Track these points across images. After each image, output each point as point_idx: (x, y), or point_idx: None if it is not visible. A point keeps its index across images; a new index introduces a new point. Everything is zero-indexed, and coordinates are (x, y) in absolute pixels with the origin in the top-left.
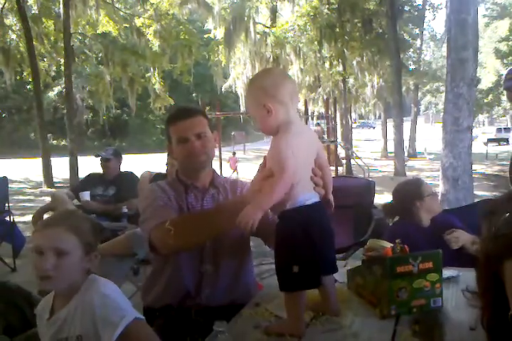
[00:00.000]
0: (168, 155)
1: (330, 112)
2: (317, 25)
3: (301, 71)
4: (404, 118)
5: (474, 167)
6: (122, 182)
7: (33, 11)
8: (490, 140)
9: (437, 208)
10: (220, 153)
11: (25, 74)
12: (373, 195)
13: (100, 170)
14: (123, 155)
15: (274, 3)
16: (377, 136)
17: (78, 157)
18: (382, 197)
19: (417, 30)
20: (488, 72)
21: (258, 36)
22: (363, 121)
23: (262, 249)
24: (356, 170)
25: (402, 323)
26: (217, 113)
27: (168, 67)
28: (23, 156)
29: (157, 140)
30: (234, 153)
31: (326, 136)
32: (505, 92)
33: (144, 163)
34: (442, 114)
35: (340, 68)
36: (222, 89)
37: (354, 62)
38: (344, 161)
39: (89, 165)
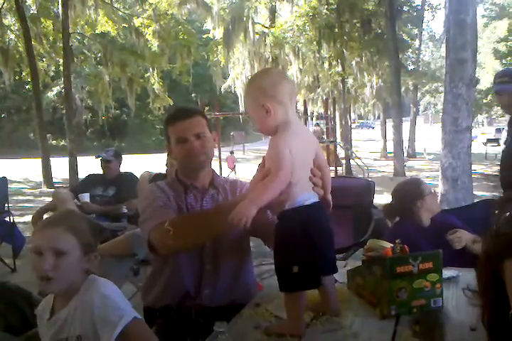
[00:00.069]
0: (167, 155)
1: (329, 112)
2: (316, 26)
3: (300, 71)
4: (404, 119)
5: (473, 167)
6: (122, 182)
7: (31, 11)
8: (489, 140)
9: (437, 207)
10: (220, 154)
11: (24, 74)
12: (373, 195)
13: (100, 171)
14: (122, 156)
15: (273, 4)
16: (376, 137)
17: (78, 157)
18: (382, 198)
19: (415, 31)
20: (487, 72)
21: (257, 36)
22: (362, 121)
23: (262, 249)
24: (356, 170)
25: (402, 323)
26: (217, 113)
27: (167, 67)
28: (23, 156)
29: (156, 140)
30: (232, 152)
31: (325, 136)
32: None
33: (144, 163)
34: (441, 114)
35: (339, 68)
36: (222, 90)
37: (353, 63)
38: (343, 161)
39: (89, 165)
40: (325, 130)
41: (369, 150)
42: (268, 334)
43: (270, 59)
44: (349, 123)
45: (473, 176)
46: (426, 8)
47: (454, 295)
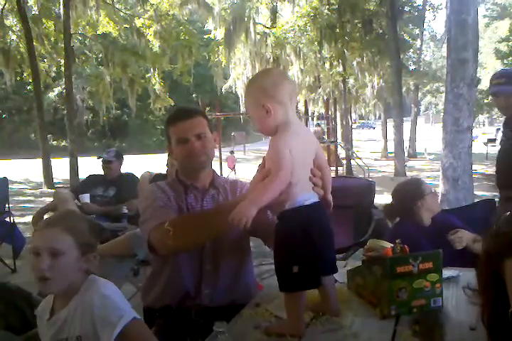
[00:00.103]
0: (168, 155)
1: (330, 113)
2: (317, 26)
3: (301, 71)
4: (405, 119)
5: (474, 167)
6: (123, 183)
7: (33, 12)
8: (490, 140)
9: (437, 207)
10: (220, 154)
11: (25, 75)
12: (373, 195)
13: (101, 172)
14: (123, 156)
15: (274, 4)
16: (377, 137)
17: (78, 158)
18: (383, 198)
19: (417, 31)
20: (488, 72)
21: (258, 37)
22: (363, 121)
23: (262, 249)
24: (356, 170)
25: (402, 323)
26: (218, 113)
27: (169, 67)
28: (23, 157)
29: (157, 140)
30: (232, 152)
31: (326, 137)
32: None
33: (144, 164)
34: (442, 114)
35: (340, 69)
36: (223, 90)
37: (354, 63)
38: (344, 161)
39: (90, 166)
40: (326, 130)
41: (370, 150)
42: (268, 334)
43: (271, 59)
44: (350, 124)
45: (473, 176)
46: (427, 8)
47: (453, 295)
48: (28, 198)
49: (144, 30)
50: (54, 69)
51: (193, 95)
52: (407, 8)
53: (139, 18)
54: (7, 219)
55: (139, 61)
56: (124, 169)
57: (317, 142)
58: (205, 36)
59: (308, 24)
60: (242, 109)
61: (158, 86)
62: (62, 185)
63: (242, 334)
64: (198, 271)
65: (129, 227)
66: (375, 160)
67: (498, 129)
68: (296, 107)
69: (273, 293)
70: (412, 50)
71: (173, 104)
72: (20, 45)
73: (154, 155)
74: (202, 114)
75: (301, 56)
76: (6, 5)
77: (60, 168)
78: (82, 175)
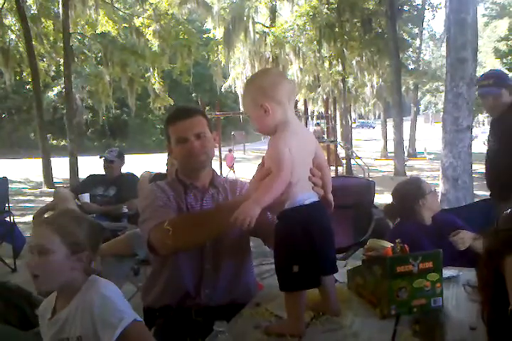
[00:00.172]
0: (168, 155)
1: (330, 112)
2: (316, 25)
3: (300, 71)
4: (404, 118)
5: (474, 167)
6: (123, 182)
7: (32, 11)
8: None
9: (437, 206)
10: (220, 153)
11: (24, 74)
12: (373, 195)
13: (101, 171)
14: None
15: (274, 3)
16: (377, 136)
17: (78, 157)
18: (383, 197)
19: (416, 30)
20: None
21: (257, 36)
22: (362, 120)
23: (262, 249)
24: (356, 169)
25: (402, 323)
26: (217, 113)
27: (168, 67)
28: (23, 156)
29: (157, 140)
30: (230, 150)
31: (325, 136)
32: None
33: (144, 163)
34: (442, 113)
35: (339, 68)
36: (222, 89)
37: (353, 62)
38: (344, 161)
39: (90, 165)
40: (325, 129)
41: (370, 149)
42: (268, 334)
43: (270, 58)
44: (350, 123)
45: (473, 176)
46: (426, 7)
47: (454, 294)
48: (28, 198)
49: (143, 30)
50: (53, 68)
51: (193, 94)
52: (406, 8)
53: (138, 17)
54: (7, 219)
55: (139, 60)
56: (124, 169)
57: (316, 141)
58: (205, 35)
59: (308, 23)
60: (242, 108)
61: (158, 85)
62: (62, 185)
63: (242, 333)
64: (198, 270)
65: (129, 227)
66: (375, 159)
67: None
68: (296, 106)
69: (273, 293)
70: (411, 50)
71: (172, 103)
72: (20, 45)
73: (154, 155)
74: (201, 114)
75: (301, 55)
76: (5, 4)
77: (60, 168)
78: (82, 174)
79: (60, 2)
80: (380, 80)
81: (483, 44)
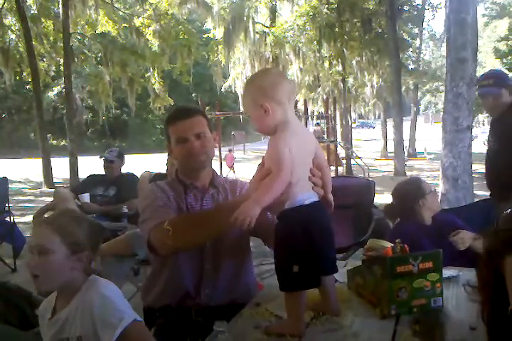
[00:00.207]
0: (168, 155)
1: (330, 112)
2: (316, 25)
3: (300, 71)
4: (404, 118)
5: (474, 167)
6: (123, 182)
7: (32, 11)
8: None
9: (437, 206)
10: (220, 153)
11: (24, 74)
12: (373, 195)
13: (101, 171)
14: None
15: (274, 3)
16: (377, 136)
17: (78, 157)
18: (383, 197)
19: (416, 30)
20: None
21: (257, 36)
22: (362, 120)
23: (262, 249)
24: (356, 169)
25: (402, 323)
26: (217, 113)
27: (168, 67)
28: (23, 156)
29: (157, 140)
30: (230, 150)
31: (325, 136)
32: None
33: (144, 163)
34: (442, 113)
35: (339, 68)
36: (222, 89)
37: (354, 62)
38: (344, 161)
39: (90, 165)
40: (325, 129)
41: (370, 149)
42: (268, 334)
43: (271, 58)
44: (350, 123)
45: (473, 176)
46: (426, 7)
47: (454, 294)
48: (28, 198)
49: (143, 30)
50: (53, 68)
51: (193, 94)
52: (406, 8)
53: (138, 17)
54: (7, 219)
55: (139, 60)
56: (124, 169)
57: (316, 141)
58: (205, 35)
59: (308, 23)
60: (242, 108)
61: (158, 85)
62: (62, 185)
63: (242, 333)
64: (198, 270)
65: (129, 227)
66: (375, 159)
67: None
68: (296, 106)
69: (273, 293)
70: (411, 50)
71: (172, 103)
72: (20, 45)
73: (154, 155)
74: (201, 114)
75: (301, 55)
76: (5, 4)
77: (60, 168)
78: (82, 174)
79: (60, 2)
80: (380, 80)
81: (483, 44)
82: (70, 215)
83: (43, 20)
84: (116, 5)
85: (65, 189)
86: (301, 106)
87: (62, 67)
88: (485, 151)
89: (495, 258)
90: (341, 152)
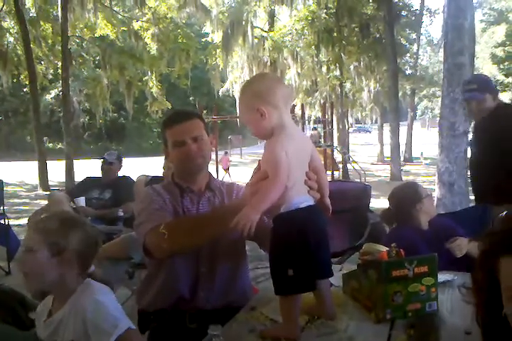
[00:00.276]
0: (165, 158)
1: (327, 116)
2: (315, 30)
3: (298, 75)
4: (401, 123)
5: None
6: (119, 186)
7: (30, 14)
8: None
9: (434, 210)
10: (217, 157)
11: (22, 77)
12: (369, 199)
13: (97, 174)
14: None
15: (272, 8)
16: (373, 141)
17: (74, 160)
18: (379, 202)
19: (414, 35)
20: None
21: (256, 40)
22: (359, 125)
23: (258, 252)
24: (352, 174)
25: (397, 327)
26: (214, 116)
27: (166, 70)
28: (20, 159)
29: (154, 143)
30: (226, 152)
31: (322, 141)
32: (501, 96)
33: (141, 167)
34: (438, 118)
35: (337, 72)
36: (220, 93)
37: (351, 67)
38: (341, 165)
39: (86, 168)
40: (322, 134)
41: (366, 154)
42: (263, 338)
43: (269, 63)
44: (346, 128)
45: (469, 181)
46: (424, 12)
47: (449, 299)
48: (24, 200)
49: (142, 33)
50: (51, 71)
51: (190, 98)
52: (404, 13)
53: (137, 20)
54: (2, 221)
55: (137, 64)
56: (121, 172)
57: (312, 145)
58: (203, 39)
59: (306, 28)
60: (238, 112)
61: (156, 89)
62: (57, 188)
63: (237, 337)
64: (194, 273)
65: (124, 230)
66: (372, 164)
67: None
68: (293, 111)
69: (268, 297)
70: (408, 55)
71: (170, 106)
72: (18, 47)
73: (151, 158)
74: (198, 117)
75: (299, 60)
76: (4, 7)
77: (56, 171)
78: (78, 177)
79: (59, 5)
80: (378, 85)
81: (481, 50)
82: (58, 217)
83: (41, 23)
84: (115, 8)
85: (60, 192)
86: (298, 110)
87: (59, 70)
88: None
89: (490, 259)
90: (338, 156)
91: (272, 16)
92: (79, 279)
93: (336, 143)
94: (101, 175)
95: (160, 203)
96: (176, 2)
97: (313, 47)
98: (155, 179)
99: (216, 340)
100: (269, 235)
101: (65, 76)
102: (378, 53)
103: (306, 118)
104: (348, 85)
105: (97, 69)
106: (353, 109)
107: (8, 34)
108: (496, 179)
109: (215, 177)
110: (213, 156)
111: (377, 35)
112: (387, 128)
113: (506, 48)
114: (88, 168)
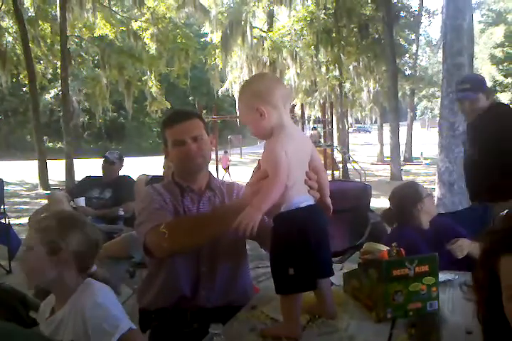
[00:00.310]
0: (165, 158)
1: (326, 116)
2: (314, 30)
3: (297, 75)
4: (400, 123)
5: None
6: (119, 185)
7: (29, 14)
8: None
9: (435, 210)
10: (217, 156)
11: (21, 76)
12: (370, 199)
13: (97, 173)
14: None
15: (271, 8)
16: (373, 141)
17: (74, 159)
18: (379, 201)
19: (413, 36)
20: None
21: (255, 40)
22: (359, 125)
23: (258, 252)
24: (353, 174)
25: (398, 327)
26: (214, 116)
27: (165, 70)
28: (19, 158)
29: (154, 143)
30: (226, 152)
31: (322, 140)
32: (500, 97)
33: (141, 166)
34: (438, 118)
35: (336, 73)
36: (219, 93)
37: (350, 67)
38: (341, 165)
39: (86, 167)
40: (322, 134)
41: (366, 154)
42: (264, 337)
43: (268, 63)
44: (346, 127)
45: None
46: (423, 13)
47: (450, 298)
48: (24, 200)
49: (141, 33)
50: (50, 71)
51: (190, 98)
52: (403, 14)
53: (136, 20)
54: (2, 221)
55: (136, 63)
56: (121, 171)
57: (312, 145)
58: (202, 39)
59: (305, 28)
60: (238, 112)
61: (155, 88)
62: (57, 187)
63: (238, 336)
64: (195, 273)
65: (125, 229)
66: (372, 164)
67: None
68: (293, 111)
69: (269, 296)
70: (408, 55)
71: (169, 106)
72: (17, 47)
73: (151, 158)
74: (198, 117)
75: (298, 60)
76: (3, 6)
77: (56, 170)
78: (78, 177)
79: (58, 5)
80: (377, 85)
81: (480, 50)
82: (57, 217)
83: (40, 22)
84: (113, 8)
85: (60, 191)
86: (298, 110)
87: (59, 70)
88: None
89: (490, 258)
90: (338, 156)
91: (270, 17)
92: (79, 279)
93: (335, 143)
94: (101, 175)
95: (160, 202)
96: (174, 2)
97: (312, 47)
98: (155, 178)
99: (217, 339)
100: (269, 234)
101: (64, 75)
102: (377, 54)
103: (306, 118)
104: (347, 85)
105: (96, 69)
106: (352, 109)
107: (6, 33)
108: (490, 177)
109: (215, 176)
110: (213, 156)
111: (376, 36)
112: (387, 128)
113: (505, 49)
114: (88, 167)
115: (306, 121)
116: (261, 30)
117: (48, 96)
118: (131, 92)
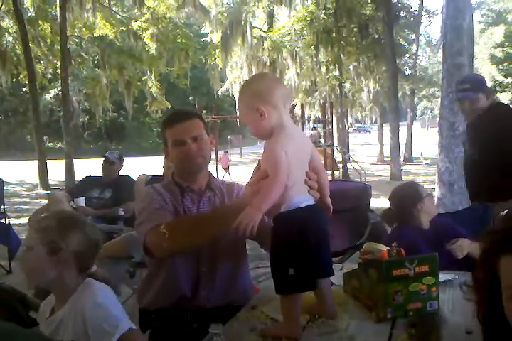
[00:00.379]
0: (165, 158)
1: (326, 116)
2: (314, 30)
3: (297, 75)
4: (400, 123)
5: None
6: (119, 185)
7: (29, 14)
8: None
9: (435, 210)
10: (217, 156)
11: (21, 76)
12: (370, 199)
13: (97, 173)
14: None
15: (271, 8)
16: (373, 141)
17: (74, 159)
18: (379, 201)
19: (413, 36)
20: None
21: (255, 40)
22: (359, 125)
23: (258, 252)
24: (353, 174)
25: (398, 326)
26: (214, 116)
27: (165, 70)
28: (19, 158)
29: (154, 143)
30: (226, 152)
31: (322, 140)
32: (500, 97)
33: (141, 166)
34: (438, 119)
35: (336, 73)
36: (219, 93)
37: (350, 67)
38: (341, 165)
39: (86, 167)
40: (322, 134)
41: (366, 154)
42: (264, 337)
43: (268, 63)
44: (346, 127)
45: None
46: (423, 13)
47: (450, 298)
48: (24, 200)
49: (141, 33)
50: (50, 71)
51: (190, 98)
52: (403, 14)
53: (136, 20)
54: (2, 221)
55: (136, 63)
56: (121, 171)
57: (312, 145)
58: (202, 39)
59: (305, 28)
60: (238, 112)
61: (155, 88)
62: (57, 187)
63: (238, 336)
64: (195, 273)
65: (125, 229)
66: (372, 164)
67: None
68: (293, 111)
69: (269, 296)
70: (408, 55)
71: (169, 106)
72: (17, 47)
73: (151, 158)
74: (198, 117)
75: (298, 60)
76: (3, 6)
77: (56, 170)
78: (78, 177)
79: (58, 5)
80: (377, 85)
81: (480, 50)
82: (57, 217)
83: (40, 22)
84: (113, 8)
85: (60, 191)
86: (298, 110)
87: (59, 70)
88: None
89: (490, 258)
90: (338, 156)
91: (270, 17)
92: (79, 279)
93: (335, 142)
94: (101, 175)
95: (160, 202)
96: (174, 2)
97: (312, 47)
98: (155, 178)
99: (217, 339)
100: (269, 234)
101: (64, 75)
102: (377, 54)
103: (306, 118)
104: (347, 85)
105: (96, 69)
106: (352, 109)
107: (6, 33)
108: (490, 177)
109: (215, 176)
110: (213, 156)
111: (376, 36)
112: (386, 128)
113: (505, 49)
114: (88, 167)
115: (306, 121)
116: (261, 30)
117: (48, 96)
118: (131, 92)
